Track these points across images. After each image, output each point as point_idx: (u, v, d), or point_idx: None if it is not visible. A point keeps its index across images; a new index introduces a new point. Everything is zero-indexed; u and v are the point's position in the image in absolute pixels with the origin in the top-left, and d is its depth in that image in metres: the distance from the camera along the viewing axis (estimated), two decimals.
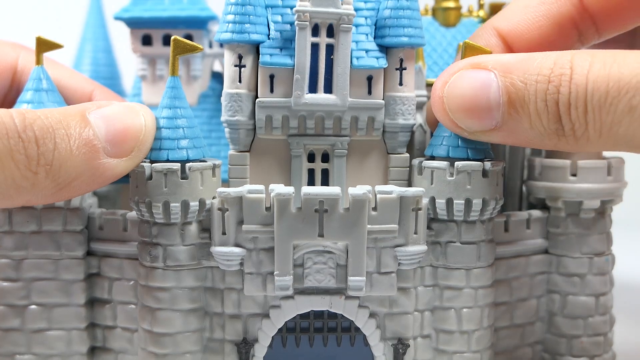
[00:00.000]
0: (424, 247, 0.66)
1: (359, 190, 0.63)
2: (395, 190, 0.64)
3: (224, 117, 0.68)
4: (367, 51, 0.67)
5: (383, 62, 0.67)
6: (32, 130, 0.60)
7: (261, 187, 0.64)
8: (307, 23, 0.65)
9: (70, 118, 0.61)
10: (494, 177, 0.66)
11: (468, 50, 0.66)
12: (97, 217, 0.70)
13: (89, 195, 0.71)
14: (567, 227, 0.72)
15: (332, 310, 0.66)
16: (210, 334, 0.68)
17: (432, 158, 0.68)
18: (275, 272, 0.64)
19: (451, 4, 0.80)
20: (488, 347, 0.69)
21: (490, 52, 0.67)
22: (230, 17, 0.66)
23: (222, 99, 0.68)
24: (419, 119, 0.76)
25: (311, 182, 0.69)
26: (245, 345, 0.67)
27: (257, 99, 0.67)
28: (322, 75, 0.67)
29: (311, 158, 0.69)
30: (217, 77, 0.84)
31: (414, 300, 0.68)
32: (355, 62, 0.67)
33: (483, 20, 0.80)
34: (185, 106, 0.66)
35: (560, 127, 0.59)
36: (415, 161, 0.68)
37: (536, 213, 0.72)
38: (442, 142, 0.67)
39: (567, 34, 0.70)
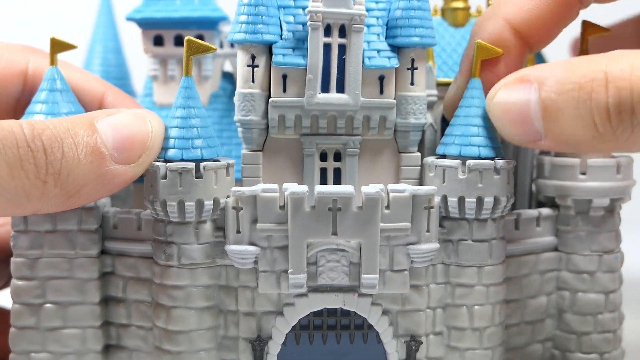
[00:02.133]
0: (436, 245, 0.66)
1: (371, 188, 0.64)
2: (407, 188, 0.65)
3: (237, 117, 0.68)
4: (379, 51, 0.68)
5: (395, 62, 0.68)
6: (41, 139, 0.61)
7: (275, 186, 0.65)
8: (320, 23, 0.66)
9: (78, 127, 0.63)
10: (505, 175, 0.67)
11: (480, 50, 0.67)
12: (111, 216, 0.70)
13: None
14: (576, 225, 0.73)
15: (346, 307, 0.67)
16: (225, 331, 0.68)
17: (444, 157, 0.68)
18: (289, 270, 0.65)
19: (460, 4, 0.81)
20: (499, 344, 0.70)
21: (502, 53, 0.68)
22: (243, 18, 0.67)
23: (235, 98, 0.68)
24: (430, 118, 0.76)
25: (324, 181, 0.70)
26: (259, 343, 0.68)
27: (270, 99, 0.67)
28: (335, 75, 0.67)
29: (323, 157, 0.70)
30: (228, 77, 0.85)
31: (426, 298, 0.68)
32: (367, 62, 0.67)
33: None
34: (199, 106, 0.66)
35: (600, 133, 0.60)
36: (427, 160, 0.69)
37: (546, 211, 0.73)
38: (454, 141, 0.67)
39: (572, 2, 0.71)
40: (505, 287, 0.70)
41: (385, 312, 0.68)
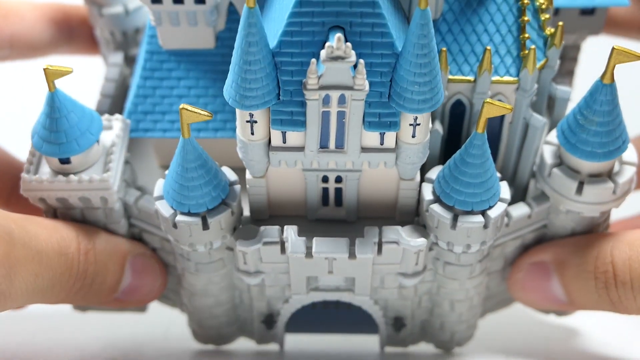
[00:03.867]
0: (425, 273, 0.73)
1: (365, 246, 0.69)
2: (401, 240, 0.70)
3: (239, 154, 0.69)
4: (380, 114, 0.65)
5: (396, 127, 0.65)
6: (86, 271, 0.72)
7: (276, 234, 0.70)
8: (318, 99, 0.63)
9: (111, 263, 0.74)
10: (496, 224, 0.70)
11: (618, 55, 0.64)
12: (133, 206, 0.76)
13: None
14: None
15: (342, 300, 0.78)
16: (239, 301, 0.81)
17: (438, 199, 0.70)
18: (292, 291, 0.74)
19: None
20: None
21: None
22: (234, 84, 0.63)
23: (237, 138, 0.68)
24: (437, 125, 0.73)
25: (325, 200, 0.73)
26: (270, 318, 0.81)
27: (271, 147, 0.67)
28: (334, 135, 0.66)
29: (325, 179, 0.72)
30: (234, 13, 0.78)
31: (414, 292, 0.78)
32: (367, 126, 0.65)
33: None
34: (203, 162, 0.67)
35: (616, 305, 0.72)
36: (425, 194, 0.70)
37: (538, 208, 0.76)
38: (450, 192, 0.68)
39: None
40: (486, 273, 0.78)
41: (376, 302, 0.78)
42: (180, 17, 0.75)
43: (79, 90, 0.78)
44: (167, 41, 0.78)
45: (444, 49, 0.70)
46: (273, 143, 0.67)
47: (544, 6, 0.72)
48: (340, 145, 0.67)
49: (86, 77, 0.93)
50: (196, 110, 0.64)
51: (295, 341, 0.85)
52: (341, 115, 0.65)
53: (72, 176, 0.71)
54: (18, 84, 1.19)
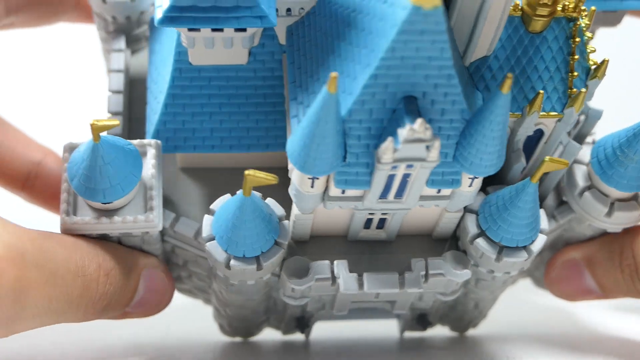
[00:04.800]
0: (460, 292, 0.77)
1: (414, 281, 0.72)
2: (446, 271, 0.72)
3: (293, 198, 0.68)
4: (443, 173, 0.65)
5: (457, 185, 0.66)
6: (106, 294, 0.70)
7: (327, 271, 0.72)
8: (388, 169, 0.62)
9: (128, 288, 0.73)
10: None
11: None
12: (168, 227, 0.75)
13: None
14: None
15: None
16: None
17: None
18: (334, 310, 0.77)
19: (545, 11, 0.68)
20: None
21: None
22: (303, 153, 0.61)
23: (293, 186, 0.67)
24: None
25: (368, 223, 0.74)
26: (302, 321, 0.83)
27: (328, 196, 0.67)
28: (395, 190, 0.66)
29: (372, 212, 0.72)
30: (269, 29, 0.74)
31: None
32: (430, 183, 0.65)
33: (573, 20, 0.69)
34: (260, 213, 0.67)
35: None
36: (470, 227, 0.72)
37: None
38: (497, 230, 0.71)
39: None
40: None
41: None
42: (216, 41, 0.71)
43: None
44: (198, 59, 0.73)
45: None
46: (331, 194, 0.67)
47: (589, 35, 0.71)
48: (399, 197, 0.67)
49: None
50: (261, 175, 0.63)
51: (316, 328, 0.89)
52: (406, 176, 0.65)
53: (116, 218, 0.69)
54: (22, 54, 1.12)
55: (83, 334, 0.86)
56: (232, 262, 0.69)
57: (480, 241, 0.72)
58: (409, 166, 0.63)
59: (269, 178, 0.63)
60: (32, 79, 1.15)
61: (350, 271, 0.72)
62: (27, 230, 0.66)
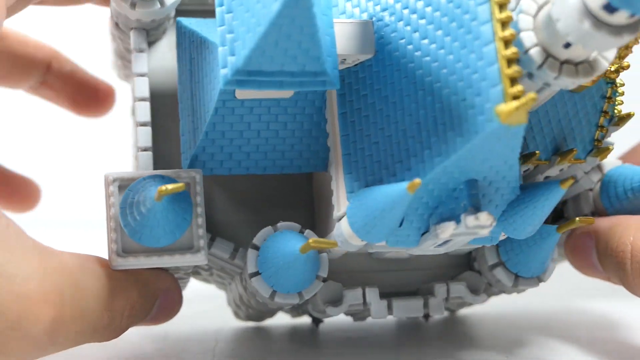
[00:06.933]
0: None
1: (437, 307, 0.78)
2: (464, 296, 0.79)
3: (338, 243, 0.71)
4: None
5: (495, 242, 0.71)
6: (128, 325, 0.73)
7: (360, 298, 0.77)
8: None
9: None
10: None
11: None
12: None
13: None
14: None
15: None
16: None
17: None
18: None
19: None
20: None
21: None
22: (367, 226, 0.65)
23: (340, 238, 0.70)
24: None
25: None
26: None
27: (374, 246, 0.71)
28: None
29: None
30: None
31: None
32: (471, 242, 0.70)
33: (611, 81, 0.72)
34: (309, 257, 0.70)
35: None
36: (489, 257, 0.78)
37: None
38: (517, 263, 0.77)
39: None
40: None
41: None
42: None
43: None
44: (244, 95, 0.72)
45: None
46: (377, 248, 0.71)
47: (621, 92, 0.75)
48: (439, 247, 0.72)
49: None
50: (324, 242, 0.66)
51: None
52: None
53: (166, 257, 0.71)
54: None
55: None
56: (277, 298, 0.73)
57: (499, 271, 0.79)
58: None
59: (331, 243, 0.67)
60: None
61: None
62: (65, 261, 0.67)
